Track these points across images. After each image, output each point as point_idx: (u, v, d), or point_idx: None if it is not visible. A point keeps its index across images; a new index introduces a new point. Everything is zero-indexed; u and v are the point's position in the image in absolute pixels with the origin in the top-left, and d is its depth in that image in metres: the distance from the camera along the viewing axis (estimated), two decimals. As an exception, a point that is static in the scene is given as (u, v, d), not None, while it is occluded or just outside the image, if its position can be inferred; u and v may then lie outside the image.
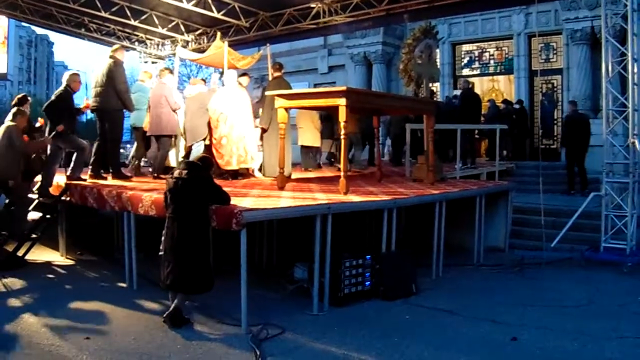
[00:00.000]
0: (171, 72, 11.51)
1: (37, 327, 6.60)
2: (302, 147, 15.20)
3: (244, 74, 11.69)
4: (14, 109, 9.97)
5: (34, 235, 9.72)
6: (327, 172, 14.05)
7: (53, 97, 10.09)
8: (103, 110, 10.37)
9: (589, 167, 14.80)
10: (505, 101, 19.23)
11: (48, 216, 9.85)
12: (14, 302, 7.57)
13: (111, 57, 10.32)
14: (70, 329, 6.56)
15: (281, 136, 9.22)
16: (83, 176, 10.09)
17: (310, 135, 14.88)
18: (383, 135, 17.10)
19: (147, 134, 11.68)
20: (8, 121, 9.75)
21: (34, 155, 10.11)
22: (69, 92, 10.02)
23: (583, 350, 6.12)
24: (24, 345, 6.07)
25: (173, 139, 11.62)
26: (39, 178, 10.29)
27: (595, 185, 12.52)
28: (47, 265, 9.74)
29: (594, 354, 6.05)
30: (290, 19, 14.86)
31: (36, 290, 8.18)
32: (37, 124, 11.08)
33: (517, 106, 18.83)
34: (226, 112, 10.74)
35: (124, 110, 10.57)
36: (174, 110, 11.10)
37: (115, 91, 10.15)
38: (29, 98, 11.72)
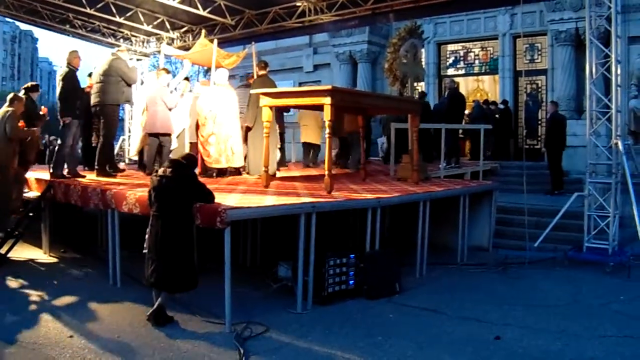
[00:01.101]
0: (168, 72, 11.52)
1: (19, 326, 6.56)
2: (304, 144, 15.57)
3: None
4: (11, 95, 9.96)
5: (16, 233, 9.66)
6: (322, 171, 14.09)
7: (60, 81, 10.15)
8: (100, 105, 10.51)
9: (572, 168, 14.93)
10: (486, 101, 19.36)
11: (31, 214, 9.79)
12: (-4, 300, 7.52)
13: (113, 54, 10.48)
14: (53, 327, 6.53)
15: (266, 134, 9.21)
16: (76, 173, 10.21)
17: (312, 132, 15.28)
18: (377, 134, 17.14)
19: (143, 132, 11.70)
20: (5, 107, 9.73)
21: (28, 139, 10.06)
22: (72, 70, 10.15)
23: (565, 349, 6.15)
24: (5, 344, 6.04)
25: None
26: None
27: (578, 186, 12.58)
28: (30, 263, 9.68)
29: (576, 352, 6.08)
30: (276, 17, 14.83)
31: (18, 288, 8.15)
32: (41, 112, 11.07)
33: (501, 106, 18.94)
34: (215, 111, 10.76)
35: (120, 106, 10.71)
36: (169, 110, 11.11)
37: (115, 87, 10.41)
38: (40, 88, 11.69)
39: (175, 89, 11.93)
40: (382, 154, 17.14)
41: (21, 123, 9.97)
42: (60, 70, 10.27)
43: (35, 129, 10.08)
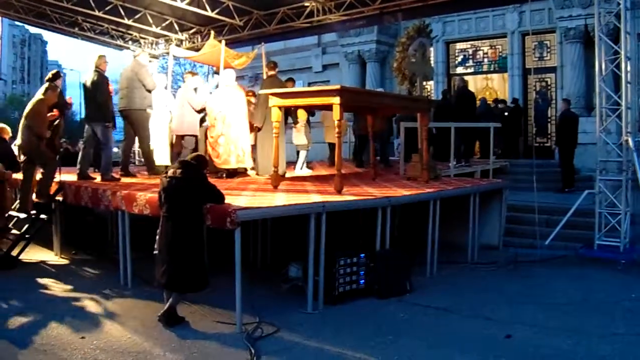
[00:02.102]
0: (194, 74, 11.70)
1: (31, 327, 6.60)
2: (329, 144, 15.72)
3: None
4: (46, 84, 10.01)
5: (27, 235, 9.70)
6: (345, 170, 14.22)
7: (89, 86, 10.20)
8: (127, 110, 10.67)
9: (582, 166, 14.88)
10: (496, 100, 19.33)
11: (42, 216, 9.82)
12: (7, 302, 7.53)
13: (135, 57, 10.69)
14: (64, 328, 6.55)
15: (275, 135, 9.21)
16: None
17: (333, 133, 15.05)
18: (392, 134, 17.16)
19: (170, 135, 11.95)
20: (40, 94, 9.81)
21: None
22: (101, 75, 10.24)
23: (577, 348, 6.13)
24: (18, 345, 6.07)
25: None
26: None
27: (589, 183, 12.54)
28: (41, 265, 9.73)
29: (587, 351, 6.06)
30: (284, 18, 14.86)
31: (30, 290, 8.18)
32: (66, 100, 11.30)
33: (511, 105, 18.89)
34: (224, 112, 10.77)
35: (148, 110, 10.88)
36: (197, 112, 11.37)
37: (139, 92, 10.55)
38: (62, 74, 11.78)
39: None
40: (397, 154, 17.18)
41: (55, 112, 10.11)
42: (88, 75, 10.29)
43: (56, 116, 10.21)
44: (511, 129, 17.95)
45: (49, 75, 10.55)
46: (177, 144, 12.05)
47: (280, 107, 9.19)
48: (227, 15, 14.85)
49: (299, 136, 14.36)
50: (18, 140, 9.87)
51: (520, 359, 5.93)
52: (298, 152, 14.74)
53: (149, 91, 10.83)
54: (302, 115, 13.91)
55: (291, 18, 14.79)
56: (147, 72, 10.87)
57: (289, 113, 13.58)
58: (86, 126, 10.66)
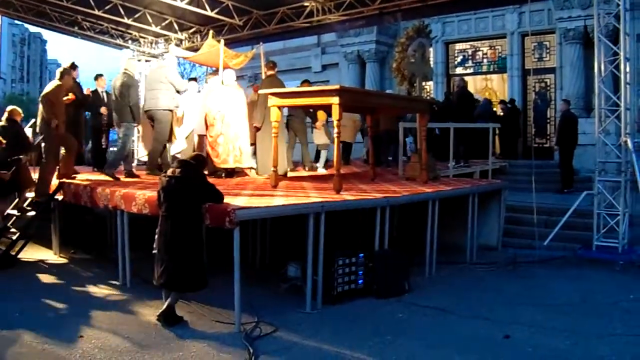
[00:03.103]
0: (215, 74, 11.84)
1: (30, 326, 6.59)
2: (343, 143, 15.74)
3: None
4: (61, 69, 10.12)
5: (26, 234, 9.71)
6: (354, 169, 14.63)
7: (119, 87, 10.36)
8: (153, 110, 10.79)
9: (581, 166, 14.89)
10: (502, 101, 19.37)
11: (41, 215, 9.82)
12: (6, 301, 7.53)
13: (162, 58, 10.93)
14: (63, 328, 6.55)
15: (274, 134, 9.22)
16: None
17: (350, 132, 15.67)
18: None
19: (191, 135, 12.14)
20: (56, 80, 9.87)
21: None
22: (132, 77, 10.54)
23: (575, 348, 6.14)
24: (16, 344, 6.07)
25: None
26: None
27: (588, 184, 12.55)
28: (40, 264, 9.73)
29: (585, 351, 6.07)
30: (284, 18, 14.85)
31: (29, 289, 8.18)
32: (85, 92, 11.62)
33: (509, 105, 18.90)
34: (223, 111, 10.78)
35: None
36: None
37: (164, 91, 10.69)
38: (77, 65, 11.90)
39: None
40: (409, 153, 17.23)
41: (71, 96, 10.34)
42: (119, 77, 10.49)
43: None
44: (508, 129, 17.92)
45: (67, 65, 10.65)
46: (199, 145, 12.09)
47: (279, 107, 9.19)
48: (226, 15, 14.84)
49: (319, 136, 14.53)
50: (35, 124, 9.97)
51: (519, 360, 5.95)
52: (319, 152, 14.94)
53: (178, 92, 11.02)
54: (322, 115, 14.00)
55: (291, 18, 14.77)
56: (177, 74, 11.11)
57: (308, 114, 13.74)
58: (120, 127, 10.74)
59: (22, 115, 11.08)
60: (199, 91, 12.79)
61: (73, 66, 11.09)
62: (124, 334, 6.41)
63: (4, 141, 10.04)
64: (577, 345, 6.22)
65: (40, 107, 9.69)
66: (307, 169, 13.84)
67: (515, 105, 19.05)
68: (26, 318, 6.86)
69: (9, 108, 10.92)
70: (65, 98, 10.05)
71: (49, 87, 9.85)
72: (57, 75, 9.95)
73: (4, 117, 10.67)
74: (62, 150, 10.06)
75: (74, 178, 10.01)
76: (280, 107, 9.25)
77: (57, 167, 10.00)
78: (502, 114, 18.44)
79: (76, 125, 11.21)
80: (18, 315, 6.96)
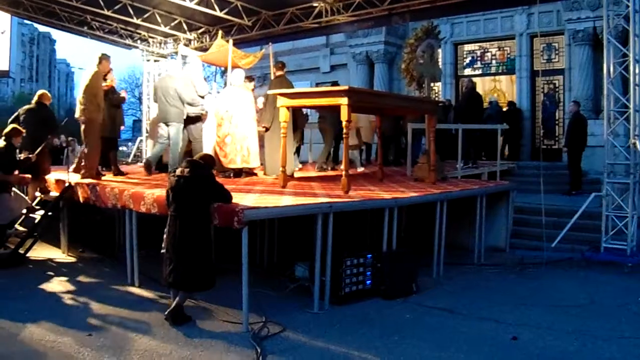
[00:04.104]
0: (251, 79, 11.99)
1: (39, 324, 6.62)
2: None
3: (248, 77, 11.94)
4: (100, 54, 10.21)
5: (35, 233, 9.75)
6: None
7: (173, 88, 10.48)
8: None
9: (590, 168, 14.85)
10: (510, 103, 19.36)
11: (50, 214, 9.86)
12: (15, 299, 7.56)
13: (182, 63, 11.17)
14: (72, 326, 6.58)
15: (283, 135, 9.23)
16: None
17: (368, 133, 15.69)
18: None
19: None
20: (96, 65, 10.00)
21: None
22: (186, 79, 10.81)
23: (583, 350, 6.13)
24: (25, 342, 6.10)
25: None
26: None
27: (596, 186, 12.52)
28: (49, 262, 9.77)
29: (593, 354, 6.06)
30: (293, 18, 14.86)
31: (37, 287, 8.21)
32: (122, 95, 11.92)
33: (510, 107, 18.91)
34: (231, 111, 10.80)
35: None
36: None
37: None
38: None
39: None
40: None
41: (109, 82, 10.97)
42: (173, 79, 10.70)
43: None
44: (509, 131, 17.82)
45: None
46: None
47: (288, 107, 9.20)
48: (235, 15, 14.87)
49: (351, 136, 14.49)
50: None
51: (526, 361, 5.94)
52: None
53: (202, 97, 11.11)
54: (354, 117, 14.04)
55: (299, 18, 14.79)
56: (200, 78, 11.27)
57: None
58: (165, 126, 10.82)
59: (51, 99, 11.33)
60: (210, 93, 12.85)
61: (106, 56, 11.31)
62: (132, 333, 6.43)
63: (23, 130, 10.13)
64: (585, 347, 6.21)
65: (81, 98, 9.87)
66: (317, 168, 13.85)
67: (515, 108, 19.04)
68: (35, 316, 6.89)
69: (40, 92, 11.17)
70: (104, 84, 10.28)
71: (87, 76, 9.92)
72: (96, 60, 10.04)
73: (33, 100, 10.89)
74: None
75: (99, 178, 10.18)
76: (288, 108, 9.25)
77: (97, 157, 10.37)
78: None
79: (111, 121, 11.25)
80: (27, 313, 6.99)
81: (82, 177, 10.05)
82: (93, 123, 9.88)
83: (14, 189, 10.16)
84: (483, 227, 10.47)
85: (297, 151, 14.65)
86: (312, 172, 13.47)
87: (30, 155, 10.04)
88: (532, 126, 19.50)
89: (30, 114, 10.67)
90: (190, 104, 10.58)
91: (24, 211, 10.19)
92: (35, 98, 10.88)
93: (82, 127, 9.98)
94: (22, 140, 10.05)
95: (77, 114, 10.02)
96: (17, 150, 10.14)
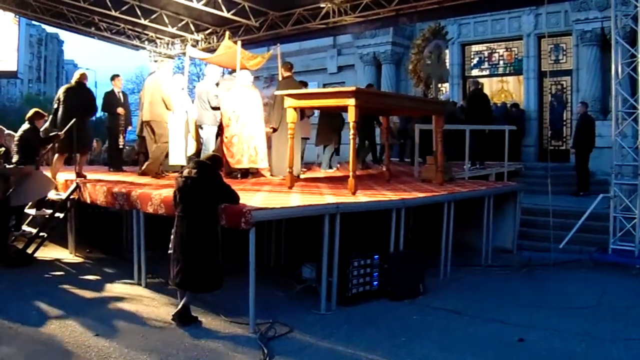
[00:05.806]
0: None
1: (46, 324, 6.64)
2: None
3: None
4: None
5: (42, 233, 9.78)
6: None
7: (201, 91, 11.53)
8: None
9: (597, 169, 14.80)
10: (514, 104, 19.33)
11: (58, 214, 9.89)
12: (23, 299, 7.58)
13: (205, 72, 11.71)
14: (78, 326, 6.59)
15: (290, 136, 9.22)
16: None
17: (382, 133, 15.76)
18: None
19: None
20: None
21: None
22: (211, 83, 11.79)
23: (590, 352, 6.11)
24: (32, 342, 6.12)
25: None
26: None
27: (604, 187, 12.49)
28: (56, 263, 9.79)
29: (600, 355, 6.05)
30: (300, 19, 14.87)
31: (44, 287, 8.23)
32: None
33: (513, 109, 18.88)
34: (238, 112, 10.79)
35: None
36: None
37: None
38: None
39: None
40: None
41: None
42: (201, 83, 11.02)
43: None
44: (511, 132, 17.70)
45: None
46: None
47: (295, 108, 9.20)
48: (242, 16, 14.88)
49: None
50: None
51: (533, 363, 5.93)
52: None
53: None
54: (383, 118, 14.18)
55: (307, 19, 14.79)
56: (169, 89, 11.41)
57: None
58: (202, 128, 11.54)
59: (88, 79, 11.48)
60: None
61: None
62: (139, 333, 6.44)
63: (46, 115, 10.62)
64: (592, 349, 6.19)
65: (149, 96, 11.04)
66: (322, 169, 13.89)
67: (519, 108, 19.01)
68: (42, 316, 6.92)
69: (80, 71, 11.33)
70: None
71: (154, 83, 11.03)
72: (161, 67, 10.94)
73: (73, 80, 10.96)
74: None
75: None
76: (296, 109, 9.25)
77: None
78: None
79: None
80: (35, 313, 7.02)
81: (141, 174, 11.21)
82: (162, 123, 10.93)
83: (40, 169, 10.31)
84: (490, 228, 10.45)
85: (337, 151, 15.03)
86: (320, 173, 13.48)
87: (59, 133, 10.21)
88: (539, 127, 19.44)
89: (69, 92, 10.75)
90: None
91: (51, 194, 10.24)
92: (77, 76, 10.97)
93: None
94: (61, 118, 10.38)
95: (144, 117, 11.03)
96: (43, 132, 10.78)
